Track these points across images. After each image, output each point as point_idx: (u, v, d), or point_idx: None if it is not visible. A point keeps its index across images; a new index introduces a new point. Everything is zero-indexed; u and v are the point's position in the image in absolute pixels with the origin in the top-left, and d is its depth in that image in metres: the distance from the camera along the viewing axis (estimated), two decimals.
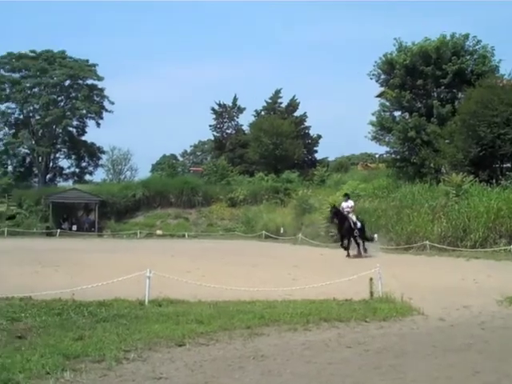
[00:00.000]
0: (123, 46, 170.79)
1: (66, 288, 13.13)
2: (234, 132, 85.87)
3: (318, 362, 8.54)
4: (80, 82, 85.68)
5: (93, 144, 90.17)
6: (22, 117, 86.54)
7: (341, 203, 31.15)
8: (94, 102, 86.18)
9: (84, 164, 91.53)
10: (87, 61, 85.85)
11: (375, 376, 7.90)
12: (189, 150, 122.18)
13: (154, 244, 41.20)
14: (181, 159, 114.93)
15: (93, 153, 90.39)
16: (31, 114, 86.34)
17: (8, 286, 14.59)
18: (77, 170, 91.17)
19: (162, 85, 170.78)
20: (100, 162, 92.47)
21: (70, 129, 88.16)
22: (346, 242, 29.81)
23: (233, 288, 14.34)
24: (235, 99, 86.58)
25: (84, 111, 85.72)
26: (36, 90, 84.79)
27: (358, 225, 29.87)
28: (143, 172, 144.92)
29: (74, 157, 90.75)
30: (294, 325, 10.91)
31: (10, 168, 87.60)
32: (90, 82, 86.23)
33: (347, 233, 29.84)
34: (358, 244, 29.78)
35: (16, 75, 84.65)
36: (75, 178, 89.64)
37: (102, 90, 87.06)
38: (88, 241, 45.13)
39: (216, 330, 10.22)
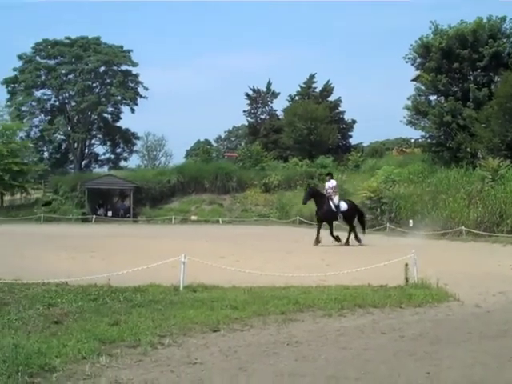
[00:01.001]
0: (159, 33, 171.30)
1: (102, 273, 13.20)
2: (267, 117, 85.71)
3: (352, 348, 8.51)
4: (115, 68, 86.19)
5: (127, 130, 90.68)
6: (57, 103, 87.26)
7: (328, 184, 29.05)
8: (129, 88, 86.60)
9: (119, 150, 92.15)
10: (121, 47, 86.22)
11: (410, 362, 7.86)
12: (223, 136, 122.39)
13: (189, 230, 41.37)
14: (215, 145, 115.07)
15: (128, 139, 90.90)
16: (67, 101, 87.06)
17: (44, 272, 14.69)
18: (112, 156, 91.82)
19: (196, 71, 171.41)
20: (135, 148, 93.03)
21: (105, 115, 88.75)
22: (318, 226, 27.95)
23: (267, 274, 14.36)
24: (269, 84, 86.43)
25: (119, 97, 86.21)
26: (71, 76, 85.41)
27: (343, 207, 28.14)
28: (178, 158, 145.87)
29: (109, 143, 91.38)
30: (329, 311, 10.89)
31: (46, 154, 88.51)
32: (124, 68, 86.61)
33: (324, 216, 28.18)
34: (350, 230, 27.78)
35: (51, 62, 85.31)
36: (110, 164, 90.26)
37: (136, 76, 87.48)
38: (123, 227, 45.44)
39: (250, 316, 10.24)
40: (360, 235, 27.74)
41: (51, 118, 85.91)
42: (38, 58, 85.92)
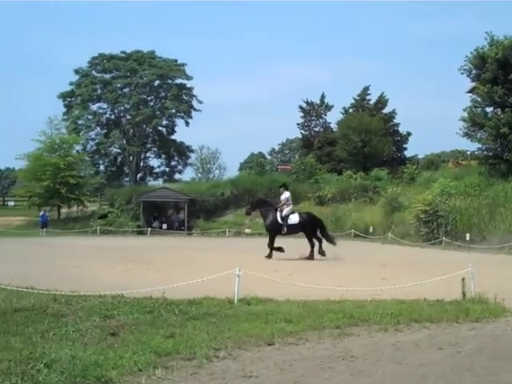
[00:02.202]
0: (213, 46, 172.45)
1: (157, 286, 13.29)
2: (321, 130, 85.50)
3: (409, 363, 8.42)
4: (169, 81, 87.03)
5: (182, 143, 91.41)
6: (113, 117, 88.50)
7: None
8: (183, 102, 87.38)
9: (173, 163, 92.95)
10: (176, 60, 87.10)
11: (468, 378, 7.75)
12: (277, 149, 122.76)
13: (243, 242, 41.43)
14: (269, 157, 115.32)
15: (182, 152, 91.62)
16: (122, 114, 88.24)
17: (101, 284, 14.86)
18: (166, 169, 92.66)
19: (250, 84, 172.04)
20: (189, 161, 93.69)
21: (160, 128, 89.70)
22: (270, 239, 27.02)
23: (321, 287, 14.30)
24: (323, 97, 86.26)
25: (173, 110, 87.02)
26: (126, 90, 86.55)
27: (293, 220, 27.01)
28: (231, 171, 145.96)
29: (163, 156, 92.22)
30: (385, 325, 10.80)
31: (101, 167, 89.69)
32: (179, 81, 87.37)
33: (269, 227, 27.60)
34: (311, 244, 26.75)
35: (107, 76, 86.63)
36: (165, 177, 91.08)
37: (190, 89, 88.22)
38: (178, 239, 45.70)
39: (305, 330, 10.20)
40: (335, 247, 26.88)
41: (107, 132, 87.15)
42: (93, 72, 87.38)
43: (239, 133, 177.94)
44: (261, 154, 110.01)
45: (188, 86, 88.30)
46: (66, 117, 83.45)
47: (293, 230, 27.44)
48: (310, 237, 27.12)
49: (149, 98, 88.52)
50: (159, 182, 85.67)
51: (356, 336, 10.10)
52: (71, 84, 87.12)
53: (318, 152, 78.47)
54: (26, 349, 8.23)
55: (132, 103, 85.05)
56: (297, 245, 26.96)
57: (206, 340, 9.10)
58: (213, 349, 8.67)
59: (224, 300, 12.52)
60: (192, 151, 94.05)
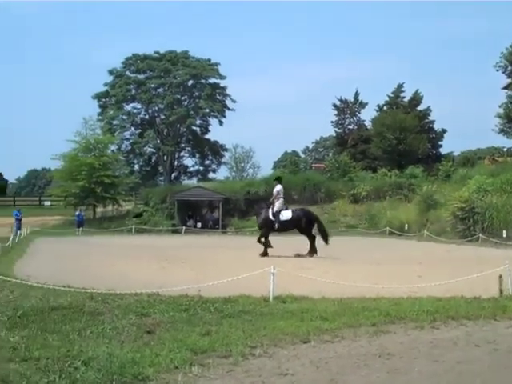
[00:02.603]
0: (246, 45, 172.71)
1: (192, 284, 13.36)
2: (355, 127, 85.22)
3: (445, 361, 8.35)
4: (203, 81, 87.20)
5: (216, 142, 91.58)
6: (147, 117, 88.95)
7: None
8: (217, 101, 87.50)
9: (207, 162, 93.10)
10: (209, 60, 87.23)
11: (505, 376, 7.69)
12: (310, 147, 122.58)
13: (277, 241, 41.32)
14: (302, 156, 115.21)
15: (216, 151, 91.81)
16: (156, 114, 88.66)
17: (136, 282, 14.97)
18: (201, 168, 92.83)
19: (284, 82, 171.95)
20: (223, 160, 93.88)
21: (194, 127, 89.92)
22: (261, 235, 26.97)
23: (357, 285, 14.25)
24: (357, 94, 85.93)
25: (207, 110, 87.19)
26: (160, 90, 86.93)
27: (285, 216, 26.64)
28: (265, 169, 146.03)
29: (197, 155, 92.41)
30: (421, 323, 10.73)
31: (136, 167, 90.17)
32: (212, 81, 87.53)
33: (261, 225, 27.37)
34: (310, 240, 26.50)
35: (141, 76, 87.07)
36: (199, 176, 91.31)
37: (224, 88, 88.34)
38: (212, 238, 45.79)
39: (341, 327, 10.17)
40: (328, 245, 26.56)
41: (141, 132, 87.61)
42: (127, 72, 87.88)
43: (273, 131, 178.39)
44: (294, 153, 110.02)
45: (221, 85, 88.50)
46: (100, 117, 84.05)
47: (285, 226, 27.09)
48: (306, 233, 26.87)
49: (182, 98, 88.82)
50: (193, 181, 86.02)
51: (392, 334, 10.04)
52: (106, 85, 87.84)
53: (352, 150, 78.25)
54: (63, 347, 8.32)
55: (166, 103, 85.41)
56: (295, 242, 26.81)
57: (241, 338, 9.11)
58: (249, 346, 8.68)
59: (259, 298, 12.53)
60: (226, 150, 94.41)
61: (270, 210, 26.74)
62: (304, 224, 26.87)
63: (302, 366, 8.01)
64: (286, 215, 26.69)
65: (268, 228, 26.91)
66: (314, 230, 27.26)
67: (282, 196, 27.25)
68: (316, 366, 8.00)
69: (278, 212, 26.63)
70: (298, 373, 7.67)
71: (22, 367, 7.38)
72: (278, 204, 26.83)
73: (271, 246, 26.23)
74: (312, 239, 26.53)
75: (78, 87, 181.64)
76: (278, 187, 27.30)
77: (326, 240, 26.67)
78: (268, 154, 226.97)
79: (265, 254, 25.78)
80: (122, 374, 7.14)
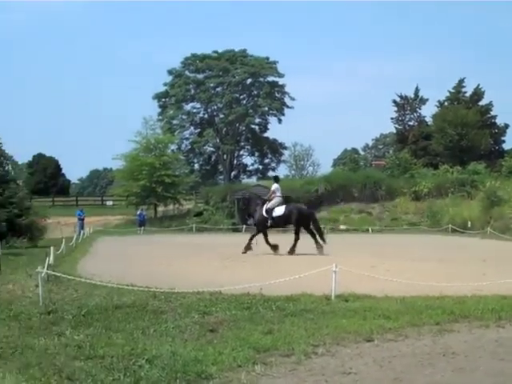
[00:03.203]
0: (305, 43, 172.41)
1: (254, 282, 13.38)
2: (416, 124, 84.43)
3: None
4: (261, 79, 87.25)
5: (275, 140, 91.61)
6: (206, 116, 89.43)
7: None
8: (276, 99, 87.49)
9: (267, 160, 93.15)
10: (267, 58, 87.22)
11: None
12: (370, 144, 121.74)
13: (338, 239, 41.15)
14: (362, 153, 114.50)
15: (275, 149, 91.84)
16: (215, 113, 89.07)
17: (198, 281, 15.04)
18: (260, 167, 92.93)
19: (343, 78, 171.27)
20: (282, 158, 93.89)
21: (253, 126, 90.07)
22: (257, 232, 26.95)
23: (420, 283, 14.10)
24: (417, 90, 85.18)
25: (266, 108, 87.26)
26: (219, 89, 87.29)
27: (277, 212, 26.49)
28: (325, 167, 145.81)
29: (257, 154, 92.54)
30: (486, 321, 10.57)
31: (196, 166, 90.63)
32: (270, 79, 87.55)
33: (256, 223, 27.51)
34: (295, 238, 26.18)
35: (200, 76, 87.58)
36: (258, 174, 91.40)
37: (282, 86, 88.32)
38: (273, 236, 45.70)
39: (404, 326, 10.07)
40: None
41: (201, 131, 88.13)
42: (187, 72, 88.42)
43: (332, 129, 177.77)
44: (354, 150, 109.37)
45: (280, 83, 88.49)
46: (160, 117, 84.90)
47: (278, 222, 27.23)
48: (297, 230, 26.61)
49: (241, 97, 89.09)
50: (253, 180, 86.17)
51: (456, 332, 9.90)
52: (165, 85, 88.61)
53: (413, 146, 77.52)
54: (127, 345, 8.42)
55: (225, 102, 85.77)
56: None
57: (304, 336, 9.09)
58: (311, 345, 8.65)
59: (321, 296, 12.48)
60: (285, 148, 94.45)
61: (264, 207, 26.85)
62: (294, 220, 26.67)
63: (366, 364, 7.95)
64: (279, 211, 26.65)
65: (264, 226, 27.00)
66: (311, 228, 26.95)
67: (278, 195, 27.18)
68: (379, 365, 7.93)
69: (272, 209, 26.68)
70: (361, 372, 7.62)
71: (87, 365, 7.49)
72: (272, 201, 26.91)
73: (250, 248, 26.23)
74: (313, 236, 26.43)
75: (139, 87, 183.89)
76: (274, 186, 27.61)
77: (322, 238, 26.41)
78: (328, 151, 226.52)
79: (247, 247, 26.09)
80: (185, 372, 7.19)
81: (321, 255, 24.64)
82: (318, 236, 26.36)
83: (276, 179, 28.94)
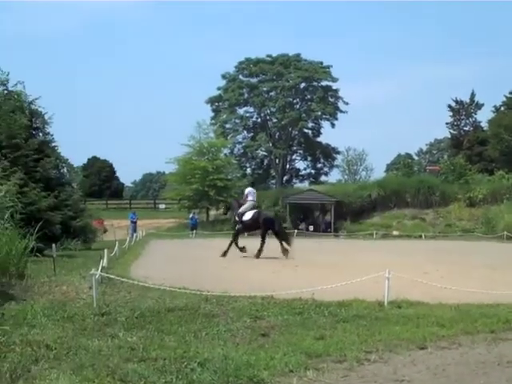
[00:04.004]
0: (359, 47, 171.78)
1: (306, 287, 13.33)
2: (471, 129, 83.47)
3: None
4: (315, 83, 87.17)
5: (328, 145, 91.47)
6: (259, 120, 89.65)
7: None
8: (329, 104, 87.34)
9: (319, 165, 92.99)
10: (321, 63, 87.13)
11: None
12: (424, 149, 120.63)
13: (391, 245, 40.91)
14: (416, 158, 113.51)
15: (328, 154, 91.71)
16: (268, 117, 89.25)
17: (250, 285, 15.06)
18: (312, 171, 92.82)
19: (395, 83, 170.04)
20: (335, 163, 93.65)
21: (306, 130, 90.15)
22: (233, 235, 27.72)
23: (474, 290, 13.91)
24: (473, 95, 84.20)
25: (319, 113, 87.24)
26: (273, 93, 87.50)
27: (246, 217, 27.11)
28: (378, 172, 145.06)
29: (309, 158, 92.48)
30: None
31: (248, 170, 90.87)
32: (324, 83, 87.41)
33: (233, 226, 28.34)
34: (261, 243, 26.30)
35: (254, 80, 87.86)
36: (311, 179, 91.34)
37: (336, 91, 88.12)
38: (324, 241, 45.60)
39: (458, 334, 9.93)
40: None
41: (253, 135, 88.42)
42: (240, 76, 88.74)
43: (386, 134, 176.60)
44: (408, 155, 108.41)
45: (334, 87, 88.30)
46: (213, 121, 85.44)
47: (247, 227, 27.99)
48: (262, 235, 26.74)
49: (294, 101, 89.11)
50: (305, 184, 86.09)
51: (511, 341, 9.73)
52: (219, 89, 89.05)
53: (468, 152, 76.66)
54: (179, 347, 8.44)
55: (278, 106, 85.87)
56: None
57: (356, 342, 9.03)
58: (363, 351, 8.57)
59: (374, 302, 12.39)
60: (338, 153, 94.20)
61: (237, 212, 27.88)
62: (261, 225, 26.97)
63: (419, 372, 7.85)
64: (247, 216, 27.27)
65: (236, 229, 27.95)
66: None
67: (251, 199, 27.98)
68: (433, 373, 7.82)
69: (243, 213, 27.43)
70: (414, 379, 7.53)
71: (140, 367, 7.52)
72: (245, 206, 27.73)
73: (226, 252, 26.63)
74: (279, 241, 26.62)
75: (192, 92, 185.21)
76: (247, 190, 28.77)
77: (287, 242, 26.62)
78: (381, 156, 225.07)
79: (224, 252, 26.44)
80: (237, 376, 7.18)
81: (287, 259, 25.04)
82: (283, 241, 26.56)
83: (252, 184, 30.37)
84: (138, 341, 8.90)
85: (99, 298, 12.27)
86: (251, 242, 26.95)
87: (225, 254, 26.38)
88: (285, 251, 25.92)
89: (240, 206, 28.12)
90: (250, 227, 28.02)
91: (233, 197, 61.29)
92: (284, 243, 26.36)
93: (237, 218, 27.78)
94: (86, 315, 10.81)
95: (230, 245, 26.97)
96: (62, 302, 12.29)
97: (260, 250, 26.06)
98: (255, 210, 27.63)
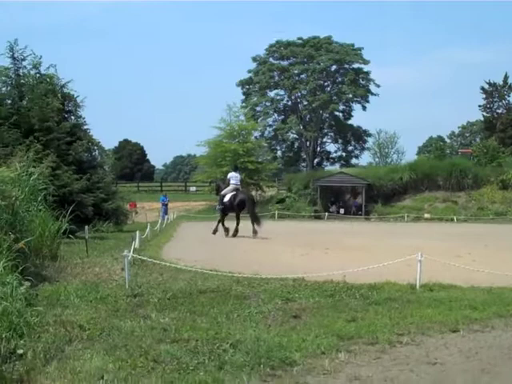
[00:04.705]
0: (391, 30, 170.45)
1: (337, 270, 13.31)
2: (504, 111, 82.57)
3: None
4: (346, 66, 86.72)
5: (359, 128, 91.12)
6: (290, 103, 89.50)
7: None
8: (360, 86, 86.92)
9: (350, 148, 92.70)
10: (353, 45, 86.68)
11: None
12: (457, 132, 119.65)
13: (422, 227, 40.70)
14: (448, 141, 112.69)
15: (359, 136, 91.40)
16: (299, 100, 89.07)
17: (281, 267, 15.08)
18: (343, 154, 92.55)
19: (428, 66, 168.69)
20: (366, 146, 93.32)
21: (337, 113, 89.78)
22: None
23: (507, 273, 13.78)
24: (506, 77, 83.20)
25: (350, 95, 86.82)
26: (303, 76, 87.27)
27: (226, 198, 28.55)
28: (410, 155, 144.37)
29: (340, 141, 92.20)
30: None
31: (279, 153, 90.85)
32: (355, 66, 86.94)
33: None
34: (237, 222, 28.31)
35: (284, 63, 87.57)
36: (342, 161, 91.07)
37: (367, 73, 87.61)
38: (355, 224, 45.48)
39: (491, 317, 9.84)
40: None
41: (284, 118, 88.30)
42: (271, 59, 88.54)
43: (417, 116, 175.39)
44: (440, 138, 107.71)
45: (365, 70, 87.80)
46: (244, 104, 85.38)
47: (227, 208, 28.94)
48: (236, 216, 28.50)
49: (325, 84, 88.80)
50: (336, 167, 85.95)
51: None
52: (249, 72, 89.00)
53: (501, 134, 75.84)
54: (211, 329, 8.49)
55: (309, 89, 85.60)
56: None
57: (388, 325, 9.01)
58: (395, 334, 8.56)
59: (405, 285, 12.34)
60: (369, 135, 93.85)
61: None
62: (235, 207, 28.34)
63: (451, 355, 7.81)
64: (226, 198, 28.66)
65: (221, 211, 29.26)
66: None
67: (233, 182, 29.09)
68: (466, 356, 7.78)
69: (224, 195, 28.92)
70: (447, 362, 7.50)
71: (173, 348, 7.57)
72: (227, 188, 29.11)
73: (216, 230, 28.62)
74: (251, 221, 27.82)
75: (223, 74, 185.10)
76: (229, 175, 29.97)
77: (258, 224, 27.61)
78: (412, 139, 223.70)
79: (215, 231, 28.50)
80: (269, 357, 7.19)
81: (257, 239, 26.40)
82: (254, 222, 27.64)
83: (235, 168, 31.51)
84: (171, 322, 8.96)
85: (131, 279, 12.35)
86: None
87: (214, 232, 28.40)
88: (255, 232, 27.12)
89: (223, 188, 29.51)
90: (228, 209, 28.99)
91: (263, 180, 61.67)
92: (255, 224, 27.43)
93: (220, 200, 29.28)
94: (119, 296, 10.89)
95: (217, 224, 28.91)
96: (94, 283, 12.40)
97: (236, 230, 27.82)
98: (233, 193, 28.71)
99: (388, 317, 9.57)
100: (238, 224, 28.12)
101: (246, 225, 27.48)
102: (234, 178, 29.32)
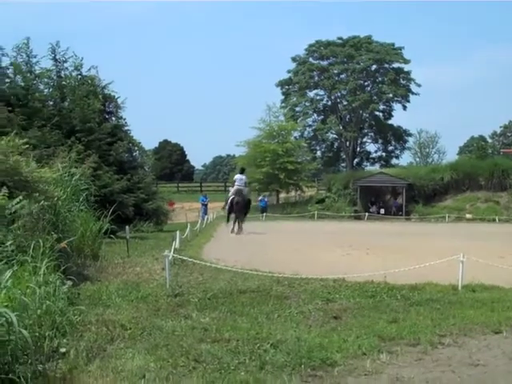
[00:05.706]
0: (431, 29, 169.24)
1: (378, 270, 13.25)
2: None
3: None
4: (386, 65, 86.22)
5: (399, 127, 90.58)
6: (329, 103, 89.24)
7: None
8: (401, 86, 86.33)
9: (390, 148, 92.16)
10: (393, 44, 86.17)
11: None
12: (498, 131, 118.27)
13: (463, 228, 40.32)
14: (490, 141, 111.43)
15: (399, 136, 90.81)
16: (338, 100, 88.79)
17: (321, 268, 15.05)
18: (383, 154, 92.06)
19: (470, 65, 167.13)
20: (407, 146, 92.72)
21: (377, 113, 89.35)
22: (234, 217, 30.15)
23: None
24: None
25: (390, 95, 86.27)
26: (343, 76, 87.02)
27: (229, 200, 29.99)
28: (451, 154, 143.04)
29: (380, 141, 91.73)
30: None
31: (318, 153, 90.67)
32: (396, 65, 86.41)
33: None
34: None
35: (324, 62, 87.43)
36: (382, 161, 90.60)
37: (408, 73, 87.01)
38: (396, 224, 45.19)
39: None
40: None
41: (324, 118, 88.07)
42: (310, 59, 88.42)
43: (459, 116, 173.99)
44: (481, 137, 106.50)
45: (405, 69, 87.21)
46: (283, 104, 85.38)
47: (231, 209, 30.12)
48: (236, 215, 29.77)
49: (365, 83, 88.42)
50: (376, 167, 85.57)
51: None
52: (289, 72, 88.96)
53: None
54: (252, 329, 8.50)
55: (349, 89, 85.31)
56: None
57: (429, 326, 8.94)
58: (437, 335, 8.49)
59: (447, 286, 12.23)
60: (410, 135, 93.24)
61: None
62: (234, 207, 29.56)
63: (494, 357, 7.72)
64: (229, 200, 30.25)
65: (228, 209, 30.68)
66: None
67: (237, 184, 30.03)
68: (509, 358, 7.68)
69: (229, 197, 30.58)
70: (489, 364, 7.41)
71: (214, 348, 7.61)
72: (231, 190, 30.75)
73: (233, 230, 29.41)
74: (240, 221, 29.61)
75: (263, 75, 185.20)
76: (235, 177, 30.92)
77: (240, 224, 29.54)
78: (454, 138, 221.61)
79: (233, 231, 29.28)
80: (310, 358, 7.19)
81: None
82: (239, 221, 29.49)
83: (241, 170, 32.05)
84: (211, 322, 8.99)
85: (172, 279, 12.40)
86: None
87: (232, 230, 29.22)
88: (238, 230, 28.98)
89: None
90: (231, 209, 30.12)
91: (303, 180, 61.62)
92: (240, 223, 29.38)
93: (225, 200, 31.47)
94: (160, 296, 10.96)
95: (234, 222, 29.80)
96: (135, 282, 12.49)
97: (240, 228, 29.32)
98: (234, 194, 29.79)
99: (430, 318, 9.50)
100: (241, 222, 29.59)
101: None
102: (238, 180, 30.23)
